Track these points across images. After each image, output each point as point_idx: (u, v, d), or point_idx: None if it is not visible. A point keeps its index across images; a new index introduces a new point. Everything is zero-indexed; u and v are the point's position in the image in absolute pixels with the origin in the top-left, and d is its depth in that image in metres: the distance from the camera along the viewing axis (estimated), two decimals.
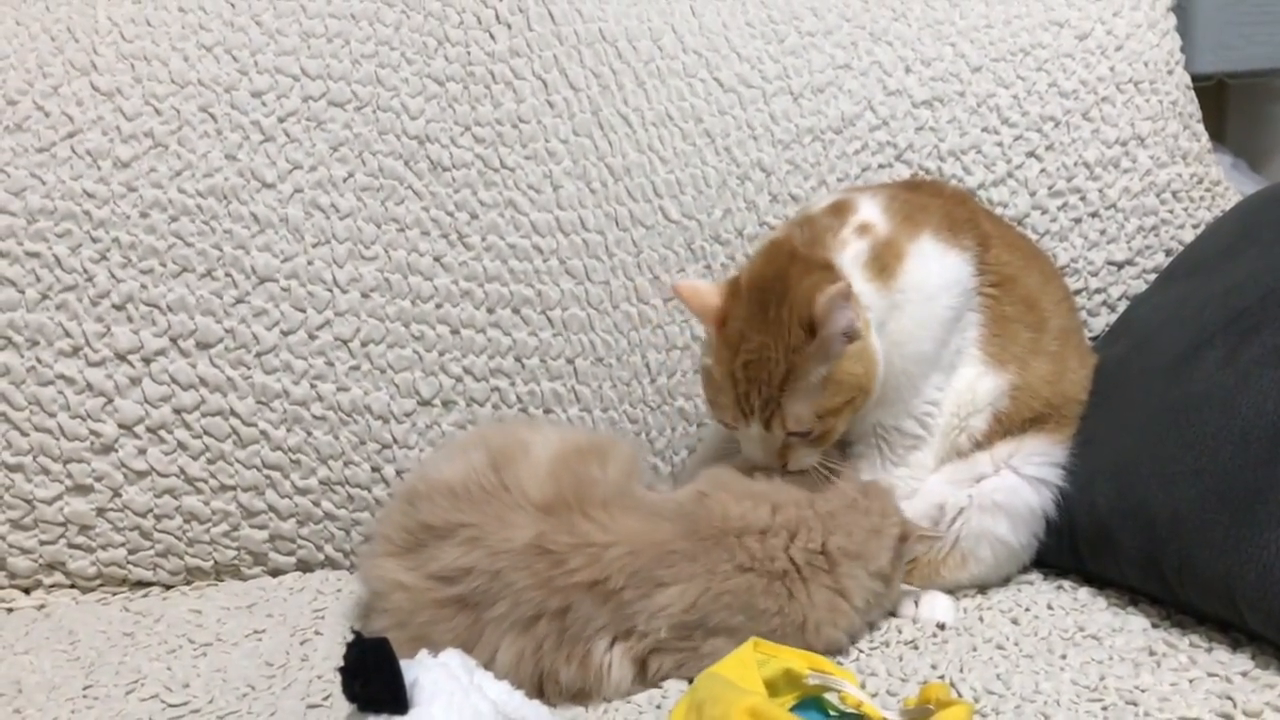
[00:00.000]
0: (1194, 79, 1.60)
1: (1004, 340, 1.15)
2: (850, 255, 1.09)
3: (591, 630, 0.96)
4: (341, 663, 0.73)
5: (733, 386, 1.05)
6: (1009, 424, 1.15)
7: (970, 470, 1.15)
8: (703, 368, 1.11)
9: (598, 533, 0.97)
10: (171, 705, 1.02)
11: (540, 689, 0.97)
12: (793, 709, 0.79)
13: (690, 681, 0.93)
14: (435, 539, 1.00)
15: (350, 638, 0.74)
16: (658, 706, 0.96)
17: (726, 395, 1.06)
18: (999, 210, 1.45)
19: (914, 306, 1.09)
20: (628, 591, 0.95)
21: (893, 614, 1.12)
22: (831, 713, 0.82)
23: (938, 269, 1.11)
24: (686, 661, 0.98)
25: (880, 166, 1.45)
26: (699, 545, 0.98)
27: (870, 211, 1.14)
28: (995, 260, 1.16)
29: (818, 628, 1.01)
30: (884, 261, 1.09)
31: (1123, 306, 1.46)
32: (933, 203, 1.18)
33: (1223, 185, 1.56)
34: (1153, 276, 1.46)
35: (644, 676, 0.99)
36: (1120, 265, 1.47)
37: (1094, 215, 1.47)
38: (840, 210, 1.15)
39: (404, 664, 0.75)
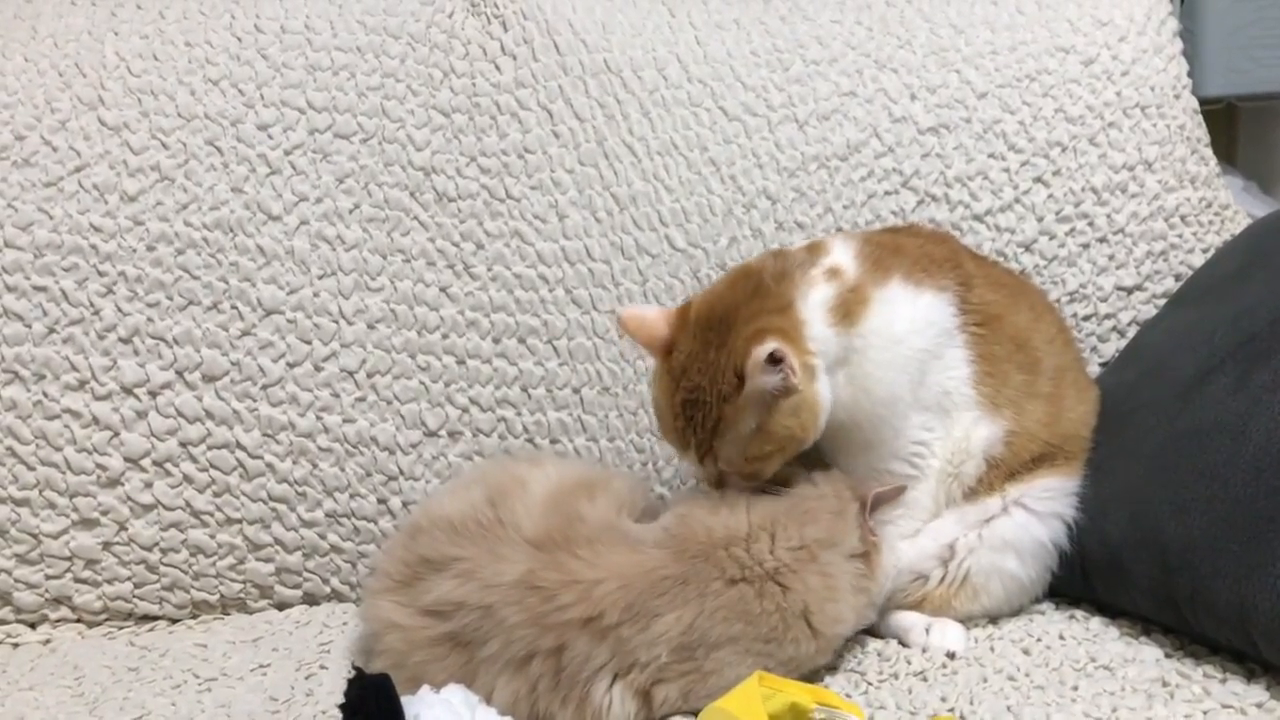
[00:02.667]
0: (1203, 102, 1.60)
1: (997, 382, 1.14)
2: (816, 298, 1.09)
3: (590, 670, 0.95)
4: (342, 699, 0.72)
5: (673, 419, 1.07)
6: (1008, 469, 1.15)
7: (980, 511, 1.14)
8: (652, 393, 1.13)
9: (585, 570, 0.96)
10: None
11: None
12: None
13: (696, 716, 0.92)
14: (432, 572, 1.00)
15: (351, 674, 0.73)
16: None
17: (668, 425, 1.09)
18: (1005, 236, 1.44)
19: (877, 351, 1.09)
20: (625, 628, 0.95)
21: (903, 644, 1.11)
22: None
23: (906, 313, 1.11)
24: (692, 687, 0.97)
25: (886, 193, 1.45)
26: (689, 566, 0.98)
27: (843, 256, 1.14)
28: (979, 299, 1.15)
29: (821, 607, 1.01)
30: (849, 308, 1.09)
31: (1132, 332, 1.45)
32: (909, 244, 1.18)
33: (1232, 209, 1.55)
34: (1162, 301, 1.45)
35: (649, 711, 0.98)
36: (1129, 290, 1.46)
37: (1102, 240, 1.46)
38: (815, 250, 1.15)
39: (405, 700, 0.75)
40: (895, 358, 1.09)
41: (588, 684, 0.96)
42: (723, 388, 1.03)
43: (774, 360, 1.00)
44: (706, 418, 1.04)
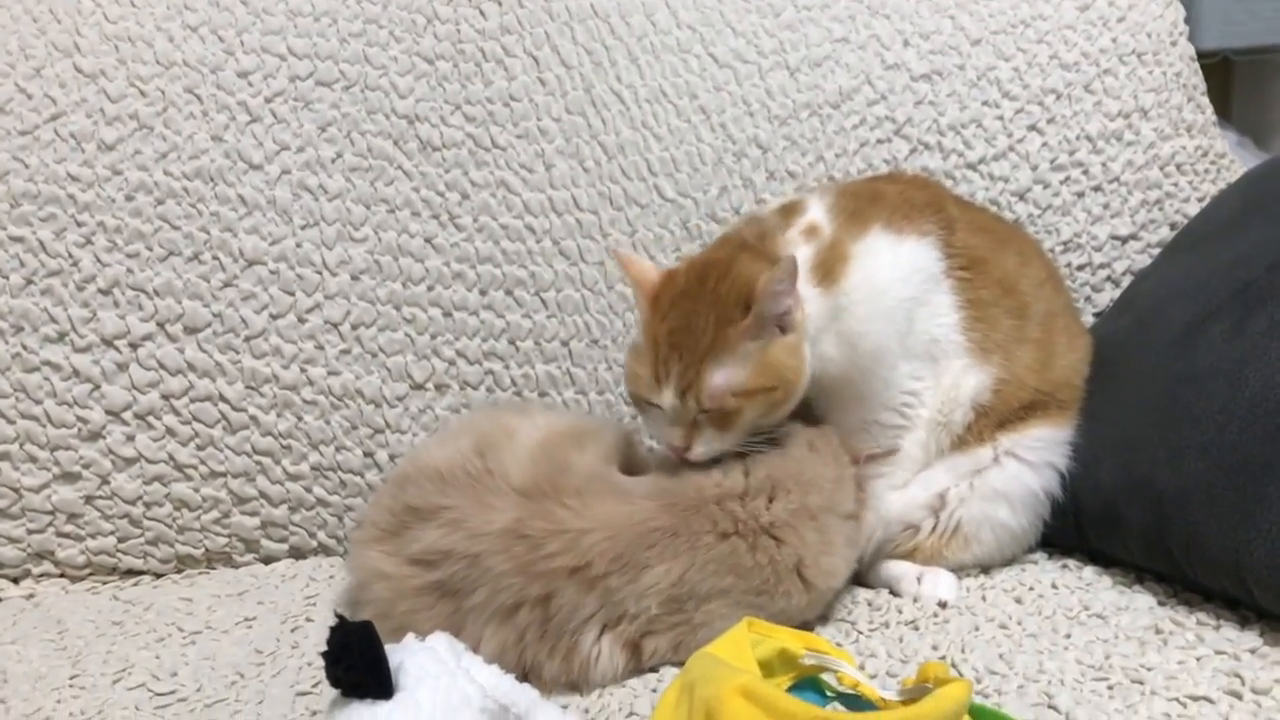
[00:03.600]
0: (1199, 55, 1.58)
1: (986, 327, 1.12)
2: (798, 258, 1.06)
3: (579, 620, 0.94)
4: (325, 648, 0.71)
5: (653, 351, 1.02)
6: (998, 417, 1.13)
7: (972, 462, 1.13)
8: (631, 345, 1.08)
9: (573, 519, 0.95)
10: (159, 694, 1.01)
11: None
12: (789, 690, 0.77)
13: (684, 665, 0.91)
14: (419, 521, 0.99)
15: (334, 622, 0.71)
16: (653, 690, 0.94)
17: (645, 363, 1.03)
18: (999, 184, 1.43)
19: (862, 305, 1.06)
20: (614, 578, 0.94)
21: (894, 593, 1.11)
22: (828, 694, 0.80)
23: (889, 261, 1.08)
24: (681, 639, 0.97)
25: (879, 141, 1.43)
26: (679, 518, 0.97)
27: (818, 212, 1.11)
28: (962, 243, 1.13)
29: (815, 560, 1.00)
30: (829, 266, 1.06)
31: (1127, 282, 1.43)
32: (888, 190, 1.16)
33: (1228, 158, 1.53)
34: (1157, 251, 1.43)
35: (638, 661, 0.97)
36: (1124, 240, 1.45)
37: (1097, 189, 1.45)
38: (789, 212, 1.13)
39: (389, 648, 0.73)
40: (880, 309, 1.07)
41: (576, 634, 0.95)
42: (724, 312, 1.00)
43: (790, 276, 0.98)
44: (699, 341, 0.99)
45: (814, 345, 1.05)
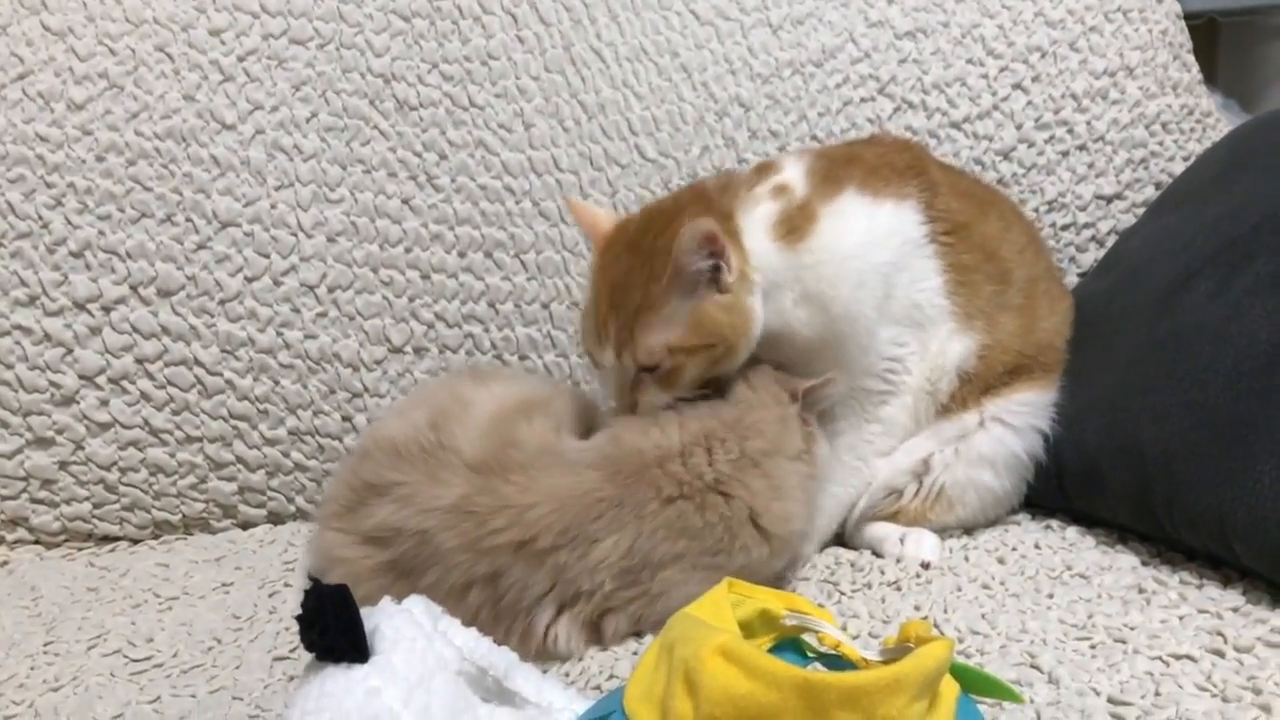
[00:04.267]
0: (1185, 17, 1.56)
1: (968, 293, 1.11)
2: (759, 214, 1.06)
3: (530, 599, 0.93)
4: (300, 611, 0.70)
5: (597, 309, 1.03)
6: (982, 383, 1.12)
7: (957, 428, 1.12)
8: (584, 299, 1.09)
9: (518, 495, 0.93)
10: (134, 660, 1.00)
11: None
12: (769, 651, 0.76)
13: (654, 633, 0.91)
14: (375, 497, 0.97)
15: (309, 585, 0.70)
16: (633, 653, 0.94)
17: (590, 321, 1.04)
18: (984, 143, 1.41)
19: (827, 266, 1.04)
20: (562, 553, 0.92)
21: (877, 554, 1.10)
22: (809, 654, 0.79)
23: (862, 225, 1.06)
24: (642, 612, 0.95)
25: (862, 100, 1.41)
26: (623, 487, 0.95)
27: (793, 173, 1.10)
28: (945, 207, 1.11)
29: (767, 508, 0.98)
30: (794, 223, 1.05)
31: (1112, 241, 1.42)
32: (867, 154, 1.14)
33: (1213, 117, 1.52)
34: (1142, 210, 1.42)
35: (599, 641, 0.96)
36: (1109, 199, 1.44)
37: (1082, 148, 1.44)
38: (763, 170, 1.12)
39: (365, 611, 0.72)
40: (848, 271, 1.05)
41: (530, 614, 0.93)
42: (654, 268, 0.99)
43: (709, 241, 0.97)
44: (631, 302, 0.99)
45: (770, 300, 1.04)
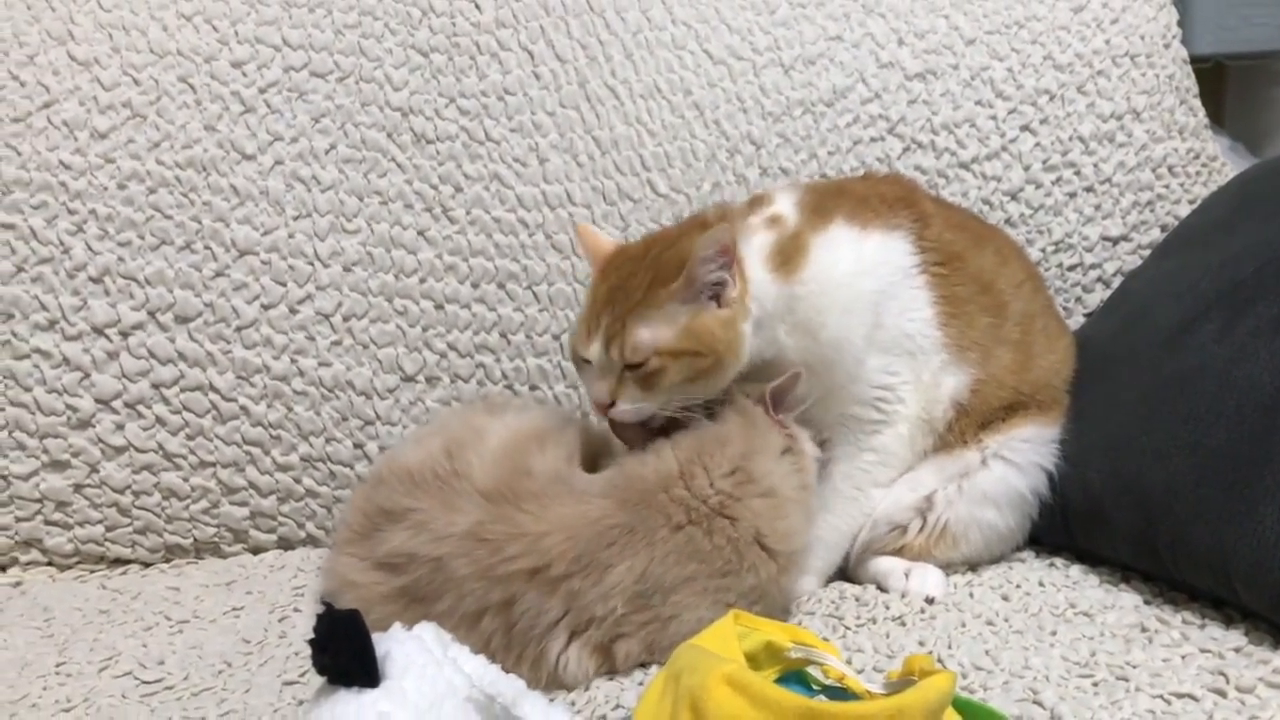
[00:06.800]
0: (1192, 60, 1.58)
1: (962, 324, 1.12)
2: (756, 244, 1.07)
3: (543, 626, 0.94)
4: (312, 635, 0.71)
5: (590, 309, 1.06)
6: (978, 417, 1.13)
7: (960, 465, 1.13)
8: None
9: (531, 523, 0.95)
10: (145, 682, 1.00)
11: None
12: (775, 683, 0.77)
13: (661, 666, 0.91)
14: (389, 524, 0.98)
15: (321, 610, 0.71)
16: (639, 683, 0.94)
17: (581, 322, 1.07)
18: (991, 184, 1.43)
19: (818, 297, 1.06)
20: (576, 579, 0.93)
21: (881, 589, 1.10)
22: (814, 687, 0.80)
23: (850, 255, 1.08)
24: (654, 637, 0.96)
25: (872, 139, 1.43)
26: (633, 513, 0.96)
27: (784, 205, 1.12)
28: (936, 238, 1.13)
29: (772, 527, 0.99)
30: (787, 255, 1.07)
31: (1118, 282, 1.43)
32: (856, 187, 1.16)
33: (1219, 161, 1.54)
34: (1148, 252, 1.44)
35: (610, 667, 0.96)
36: (1115, 240, 1.45)
37: (1089, 190, 1.45)
38: (756, 202, 1.14)
39: (375, 637, 0.73)
40: (837, 301, 1.07)
41: (542, 641, 0.94)
42: (659, 273, 1.02)
43: (725, 252, 1.00)
44: (630, 296, 1.02)
45: (763, 330, 1.06)
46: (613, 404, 1.03)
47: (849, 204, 1.11)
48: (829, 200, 1.12)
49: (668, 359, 1.01)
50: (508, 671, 0.92)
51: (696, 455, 1.00)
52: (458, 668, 0.78)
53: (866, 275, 1.08)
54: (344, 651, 0.70)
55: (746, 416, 1.04)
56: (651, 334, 1.01)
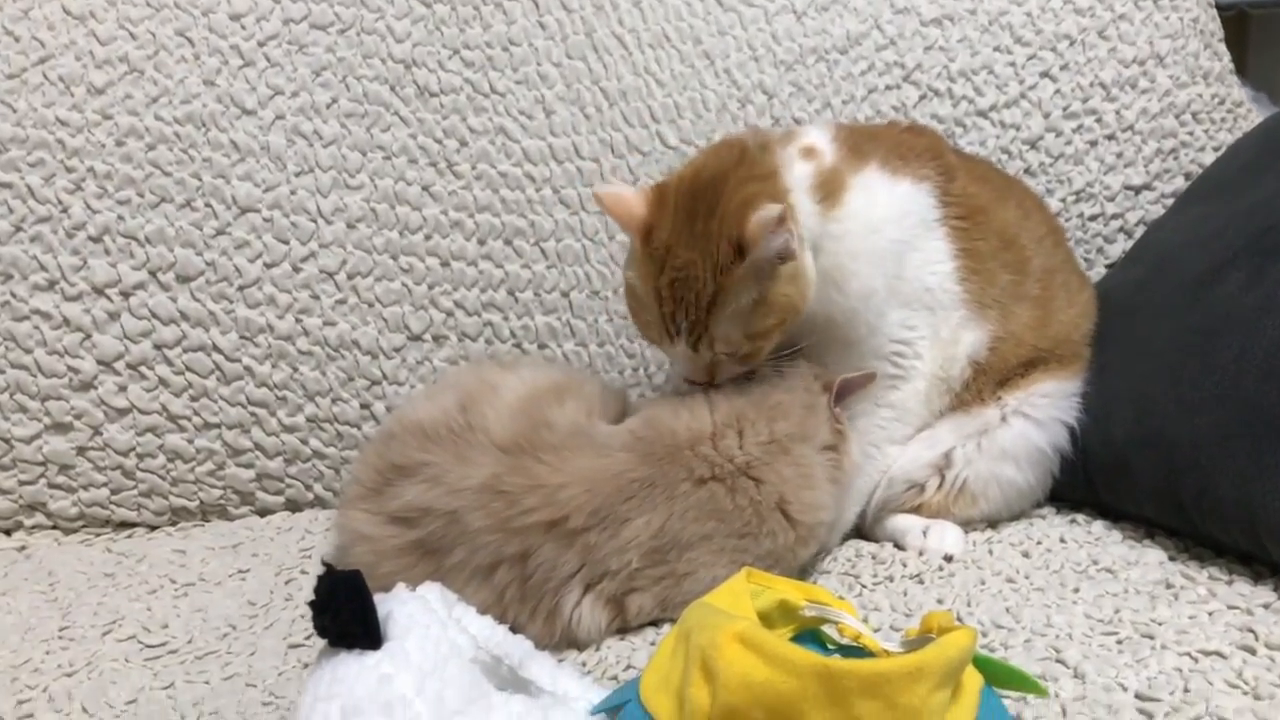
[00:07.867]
0: (1216, 8, 1.54)
1: (983, 280, 1.09)
2: (799, 174, 1.04)
3: (558, 579, 0.92)
4: (312, 596, 0.69)
5: (658, 305, 1.00)
6: (996, 375, 1.10)
7: (979, 423, 1.11)
8: (626, 281, 1.05)
9: (550, 475, 0.93)
10: (149, 645, 0.99)
11: None
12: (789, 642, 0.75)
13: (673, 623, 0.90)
14: (401, 478, 0.96)
15: (322, 571, 0.69)
16: (650, 643, 0.93)
17: (652, 314, 1.01)
18: (1010, 133, 1.40)
19: (854, 239, 1.03)
20: (593, 533, 0.92)
21: (899, 547, 1.08)
22: (830, 646, 0.78)
23: (884, 199, 1.05)
24: (667, 593, 0.95)
25: (887, 88, 1.39)
26: (655, 468, 0.95)
27: (818, 138, 1.08)
28: (960, 191, 1.10)
29: (797, 495, 0.98)
30: (828, 187, 1.04)
31: (1140, 232, 1.40)
32: (886, 133, 1.13)
33: (1244, 106, 1.50)
34: (1171, 201, 1.40)
35: (623, 621, 0.95)
36: (1138, 189, 1.42)
37: (1110, 138, 1.41)
38: (789, 136, 1.10)
39: (378, 598, 0.71)
40: (870, 247, 1.04)
41: (557, 594, 0.93)
42: (719, 259, 0.96)
43: (779, 223, 0.94)
44: (701, 295, 0.97)
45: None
46: (712, 380, 1.03)
47: (883, 149, 1.08)
48: (865, 142, 1.09)
49: (759, 339, 1.00)
50: (521, 625, 0.91)
51: (735, 419, 0.99)
52: (463, 629, 0.76)
53: (894, 223, 1.05)
54: (345, 613, 0.68)
55: (810, 400, 1.02)
56: (736, 326, 0.99)
